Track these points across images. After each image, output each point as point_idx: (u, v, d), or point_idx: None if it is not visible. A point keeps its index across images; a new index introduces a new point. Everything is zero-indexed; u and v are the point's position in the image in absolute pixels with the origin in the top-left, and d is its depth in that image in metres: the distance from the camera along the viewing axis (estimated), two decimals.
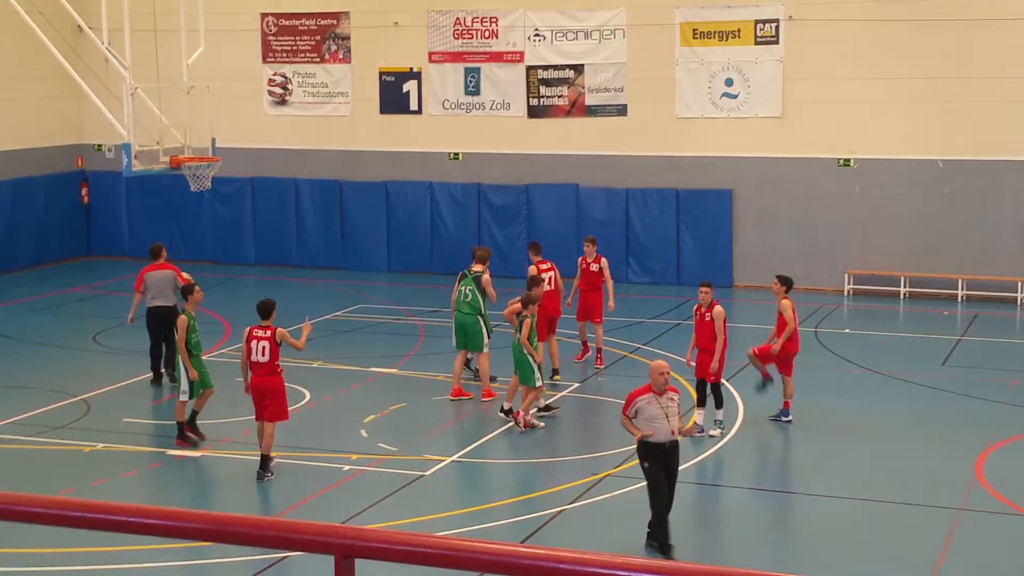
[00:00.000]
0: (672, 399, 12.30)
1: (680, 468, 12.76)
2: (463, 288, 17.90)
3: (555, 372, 18.75)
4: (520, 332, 16.34)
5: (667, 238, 26.72)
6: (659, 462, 12.30)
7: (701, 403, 16.15)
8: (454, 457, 15.46)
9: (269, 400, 14.57)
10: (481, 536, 12.59)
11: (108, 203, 30.65)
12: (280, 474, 14.98)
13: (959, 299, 24.85)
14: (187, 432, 15.89)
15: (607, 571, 2.90)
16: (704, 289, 16.35)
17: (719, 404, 16.10)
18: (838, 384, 18.93)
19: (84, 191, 30.89)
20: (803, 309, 24.00)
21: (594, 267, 19.63)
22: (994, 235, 24.84)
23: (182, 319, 15.88)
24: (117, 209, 30.61)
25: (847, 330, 22.85)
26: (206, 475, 15.36)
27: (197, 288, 16.41)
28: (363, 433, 16.43)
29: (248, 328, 14.81)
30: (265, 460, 14.63)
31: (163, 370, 18.86)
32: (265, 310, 14.87)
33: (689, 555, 12.41)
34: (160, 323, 18.56)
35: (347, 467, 15.07)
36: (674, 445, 12.39)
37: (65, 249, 30.29)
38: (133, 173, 19.34)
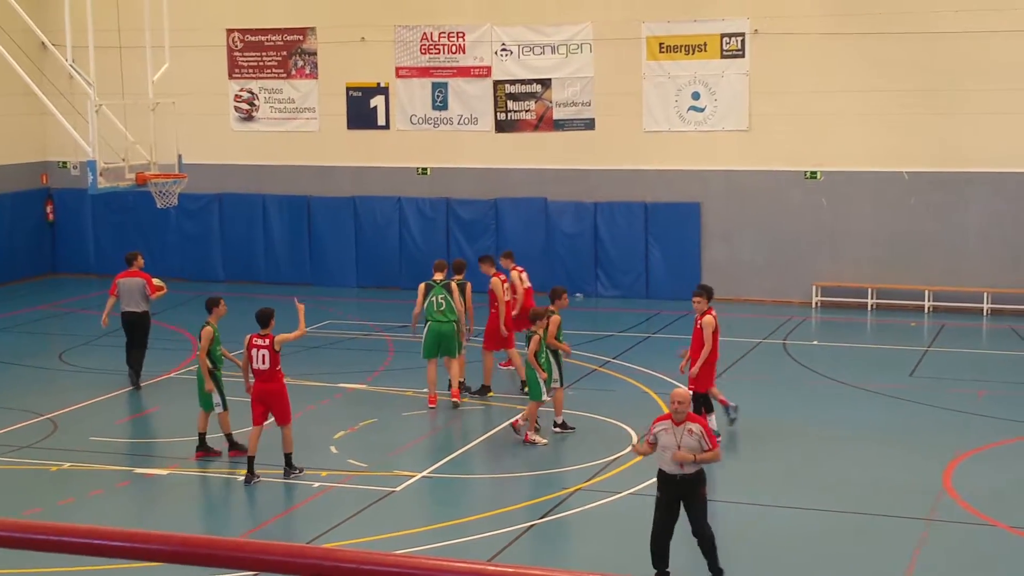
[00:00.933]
0: (691, 431, 11.66)
1: (651, 481, 12.65)
2: (435, 298, 18.03)
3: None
4: (528, 347, 16.30)
5: (636, 251, 26.78)
6: (669, 493, 11.90)
7: (708, 410, 16.22)
8: (424, 473, 15.41)
9: (274, 404, 15.00)
10: (451, 553, 12.56)
11: (73, 220, 30.47)
12: (250, 491, 14.90)
13: (926, 310, 25.01)
14: (231, 443, 16.00)
15: None
16: (695, 299, 16.39)
17: (708, 410, 16.15)
18: (807, 396, 19.00)
19: (49, 208, 30.70)
20: (771, 321, 24.15)
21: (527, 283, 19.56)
22: (960, 246, 25.02)
23: (207, 331, 15.91)
24: (83, 226, 30.42)
25: (815, 342, 22.95)
26: (174, 493, 15.24)
27: (222, 301, 16.43)
28: (333, 449, 16.35)
29: (248, 336, 15.07)
30: (287, 457, 15.07)
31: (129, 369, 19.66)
32: (264, 318, 15.23)
33: (673, 569, 12.39)
34: (129, 327, 19.75)
35: (317, 484, 14.99)
36: (687, 478, 11.77)
37: (30, 267, 30.08)
38: (99, 190, 19.22)
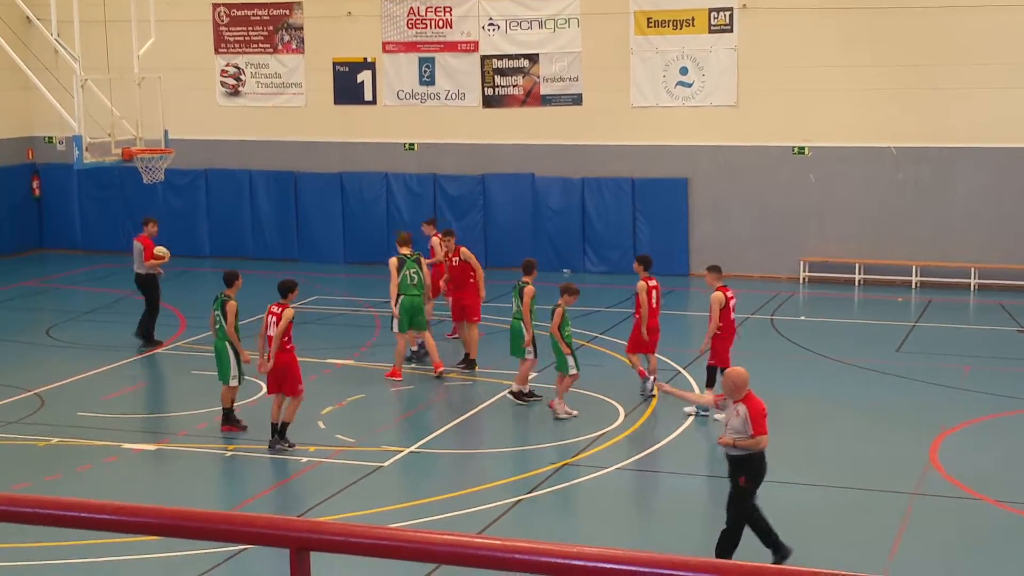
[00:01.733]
0: (737, 412, 11.46)
1: (638, 456, 12.71)
2: (407, 272, 18.25)
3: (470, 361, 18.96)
4: (552, 320, 16.33)
5: (623, 227, 26.77)
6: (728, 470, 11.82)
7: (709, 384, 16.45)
8: (412, 448, 15.44)
9: (280, 376, 15.20)
10: (439, 527, 12.59)
11: (60, 196, 30.36)
12: (238, 466, 14.92)
13: (913, 285, 25.07)
14: (233, 419, 16.06)
15: (562, 560, 2.90)
16: (708, 275, 16.82)
17: (710, 384, 16.25)
18: (794, 371, 19.06)
19: (35, 184, 30.58)
20: (759, 297, 24.18)
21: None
22: (947, 221, 25.07)
23: (231, 305, 15.94)
24: (69, 202, 30.31)
25: (803, 317, 22.99)
26: (163, 469, 15.25)
27: (240, 276, 16.53)
28: (321, 425, 16.37)
29: (269, 305, 15.41)
30: (282, 428, 15.20)
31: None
32: (284, 289, 15.53)
33: (647, 544, 12.45)
34: (137, 287, 20.92)
35: (305, 459, 15.01)
36: (729, 458, 11.67)
37: (17, 242, 29.98)
38: (85, 165, 19.16)
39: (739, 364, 18.85)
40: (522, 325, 16.92)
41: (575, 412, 16.45)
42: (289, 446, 15.22)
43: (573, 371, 16.39)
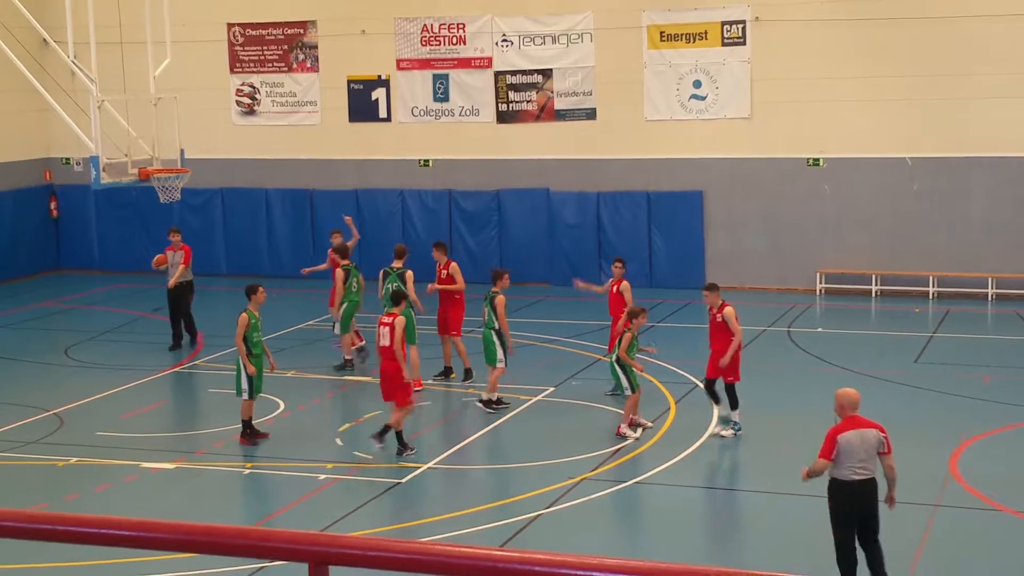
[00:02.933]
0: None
1: (656, 469, 12.59)
2: (389, 285, 18.48)
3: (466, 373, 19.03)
4: (619, 345, 16.22)
5: (639, 240, 26.76)
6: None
7: (716, 400, 16.43)
8: (430, 464, 15.43)
9: (388, 384, 15.61)
10: (458, 542, 12.57)
11: (77, 216, 30.49)
12: (256, 484, 14.94)
13: (930, 296, 24.99)
14: (250, 431, 16.18)
15: (580, 572, 2.89)
16: (706, 294, 16.55)
17: (734, 405, 16.16)
18: (811, 383, 18.98)
19: (53, 205, 30.72)
20: (775, 309, 24.14)
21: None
22: (964, 231, 24.99)
23: (242, 317, 16.08)
24: (86, 222, 30.44)
25: (820, 329, 22.93)
26: (181, 487, 15.27)
27: (261, 288, 16.66)
28: (338, 441, 16.37)
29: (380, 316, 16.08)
30: (399, 436, 15.55)
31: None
32: (396, 297, 16.14)
33: (677, 556, 12.42)
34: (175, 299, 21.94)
35: (323, 476, 15.02)
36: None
37: (35, 263, 30.10)
38: (102, 186, 19.22)
39: (758, 377, 18.89)
40: (493, 334, 17.17)
41: (636, 435, 16.21)
42: (412, 450, 15.59)
43: (629, 392, 16.27)
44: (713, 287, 16.67)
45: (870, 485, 10.90)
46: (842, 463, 10.82)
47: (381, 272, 19.37)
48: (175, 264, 21.75)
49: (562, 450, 15.89)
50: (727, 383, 16.24)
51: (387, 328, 15.63)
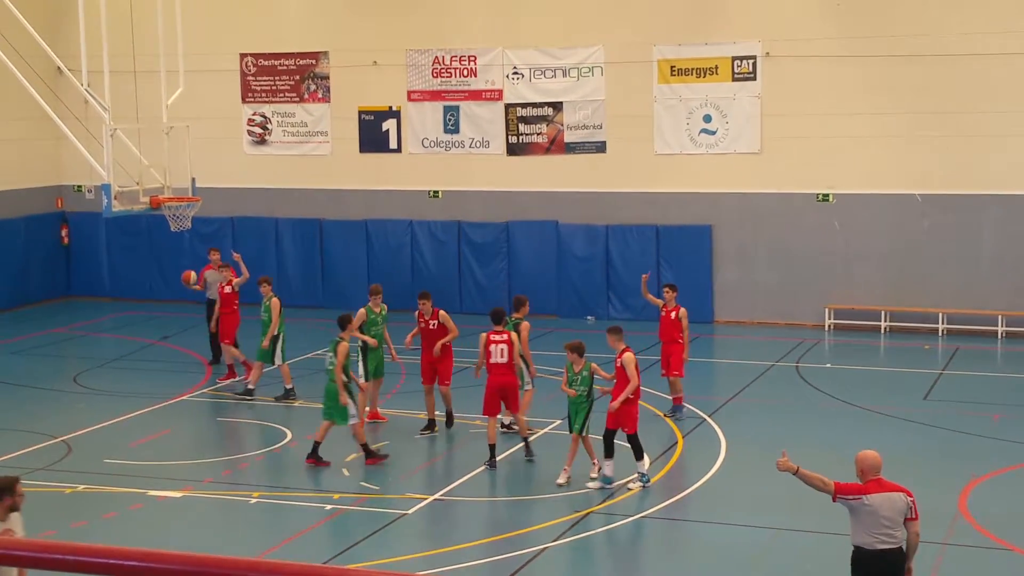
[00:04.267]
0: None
1: (663, 504, 12.51)
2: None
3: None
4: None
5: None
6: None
7: (609, 454, 15.64)
8: (437, 495, 15.40)
9: (509, 395, 16.68)
10: (465, 574, 12.53)
11: (88, 244, 30.59)
12: (261, 514, 14.91)
13: (940, 333, 24.94)
14: (369, 451, 16.70)
15: None
16: (608, 335, 16.35)
17: (638, 456, 15.62)
18: (819, 419, 18.94)
19: (64, 232, 30.82)
20: (784, 344, 24.11)
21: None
22: (974, 268, 24.97)
23: (343, 346, 16.62)
24: (97, 250, 30.54)
25: (828, 365, 22.88)
26: (188, 516, 15.25)
27: (354, 320, 17.48)
28: (345, 472, 16.36)
29: (484, 334, 16.70)
30: (526, 443, 16.85)
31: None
32: (497, 317, 17.01)
33: None
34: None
35: (329, 506, 15.00)
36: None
37: (45, 290, 30.19)
38: (113, 214, 19.29)
39: (766, 412, 18.85)
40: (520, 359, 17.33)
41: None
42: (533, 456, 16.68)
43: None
44: (615, 330, 16.05)
45: (896, 555, 9.88)
46: (866, 530, 9.82)
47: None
48: (214, 283, 22.57)
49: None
50: (628, 434, 15.52)
51: (503, 345, 16.51)
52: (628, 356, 15.58)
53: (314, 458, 16.52)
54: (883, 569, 9.87)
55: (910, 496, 9.95)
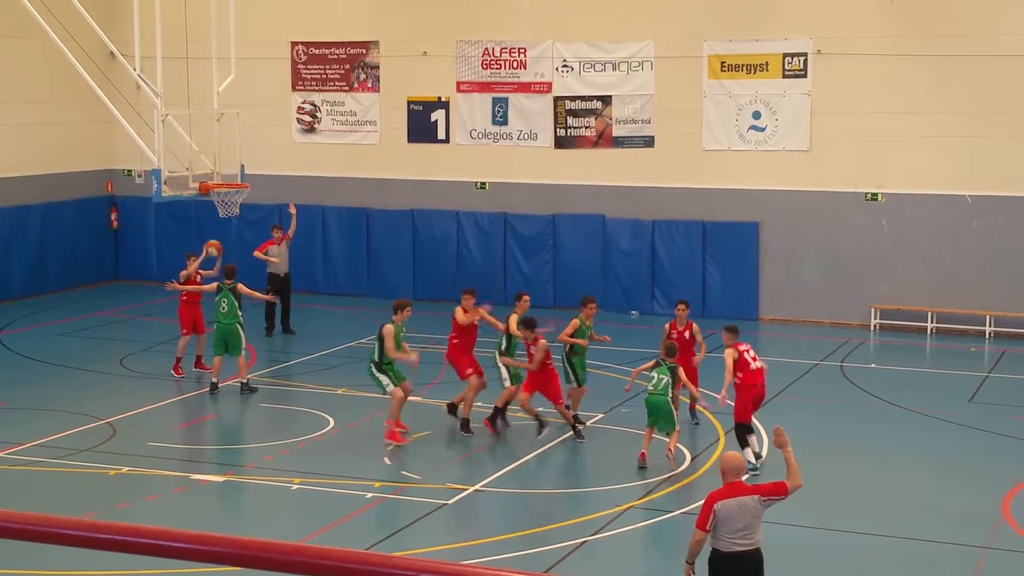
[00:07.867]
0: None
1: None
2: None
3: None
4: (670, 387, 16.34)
5: (693, 270, 26.69)
6: None
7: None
8: (477, 486, 15.44)
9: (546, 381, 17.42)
10: (503, 566, 12.56)
11: (137, 228, 30.85)
12: (302, 500, 15.01)
13: (987, 335, 24.72)
14: (493, 420, 17.60)
15: None
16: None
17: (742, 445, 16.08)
18: (864, 419, 18.83)
19: (113, 216, 31.10)
20: (829, 343, 23.96)
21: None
22: (1022, 271, 24.71)
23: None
24: (146, 234, 30.79)
25: (873, 365, 22.73)
26: (231, 500, 15.38)
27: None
28: (386, 460, 16.43)
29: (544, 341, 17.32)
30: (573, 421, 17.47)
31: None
32: (529, 324, 17.34)
33: None
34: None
35: (370, 494, 15.07)
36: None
37: (94, 273, 30.48)
38: (162, 199, 19.46)
39: (810, 412, 18.76)
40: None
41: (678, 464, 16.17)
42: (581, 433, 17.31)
43: (678, 426, 16.45)
44: (731, 329, 16.37)
45: (753, 556, 10.02)
46: (721, 534, 9.97)
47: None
48: (283, 255, 24.65)
49: (610, 478, 15.85)
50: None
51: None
52: (726, 352, 16.08)
53: (493, 422, 17.48)
54: (740, 570, 10.03)
55: (764, 496, 10.04)
